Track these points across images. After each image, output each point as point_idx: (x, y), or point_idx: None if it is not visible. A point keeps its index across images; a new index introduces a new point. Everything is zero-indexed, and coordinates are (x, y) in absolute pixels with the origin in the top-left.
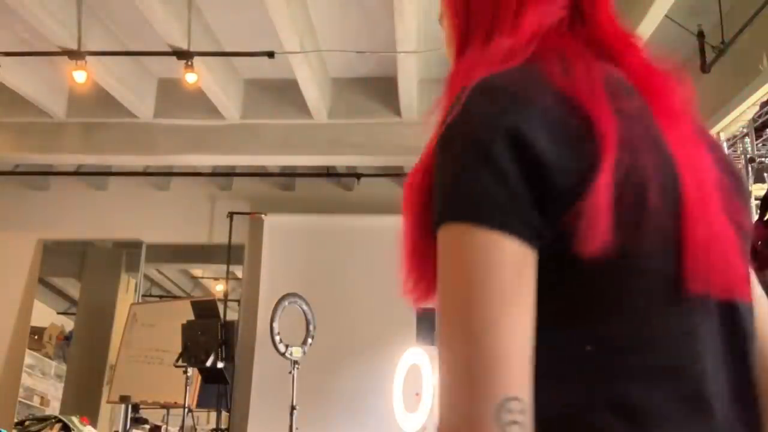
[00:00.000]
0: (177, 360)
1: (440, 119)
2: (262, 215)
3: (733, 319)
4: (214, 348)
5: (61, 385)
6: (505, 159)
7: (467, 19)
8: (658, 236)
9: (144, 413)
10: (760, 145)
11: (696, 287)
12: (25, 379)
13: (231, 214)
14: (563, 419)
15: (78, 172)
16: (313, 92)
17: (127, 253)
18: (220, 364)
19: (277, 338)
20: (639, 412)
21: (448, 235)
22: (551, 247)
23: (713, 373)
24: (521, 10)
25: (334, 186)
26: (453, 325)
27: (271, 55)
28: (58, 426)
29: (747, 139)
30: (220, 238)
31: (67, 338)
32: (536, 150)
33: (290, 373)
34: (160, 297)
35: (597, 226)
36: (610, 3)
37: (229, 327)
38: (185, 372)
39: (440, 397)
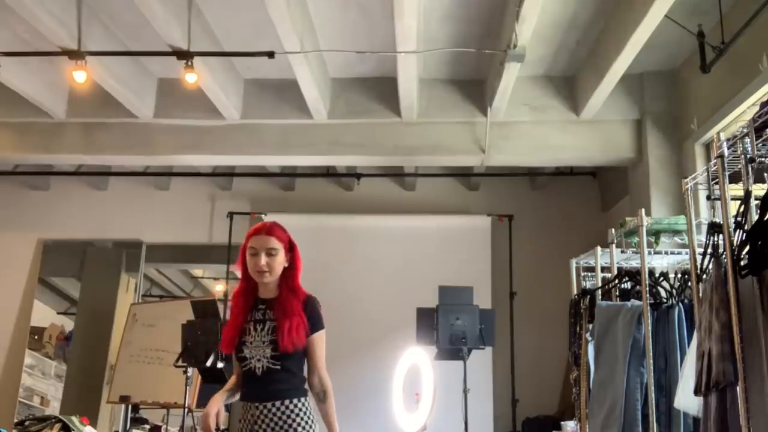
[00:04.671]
0: (177, 360)
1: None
2: (262, 215)
3: None
4: (214, 348)
5: (61, 385)
6: None
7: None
8: None
9: (144, 413)
10: (760, 145)
11: None
12: (25, 379)
13: (231, 214)
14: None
15: (78, 172)
16: (312, 92)
17: (127, 253)
18: (220, 364)
19: None
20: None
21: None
22: None
23: None
24: None
25: (334, 186)
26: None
27: (271, 55)
28: (58, 426)
29: (747, 139)
30: (220, 238)
31: (67, 338)
32: None
33: None
34: (160, 297)
35: None
36: None
37: None
38: (185, 372)
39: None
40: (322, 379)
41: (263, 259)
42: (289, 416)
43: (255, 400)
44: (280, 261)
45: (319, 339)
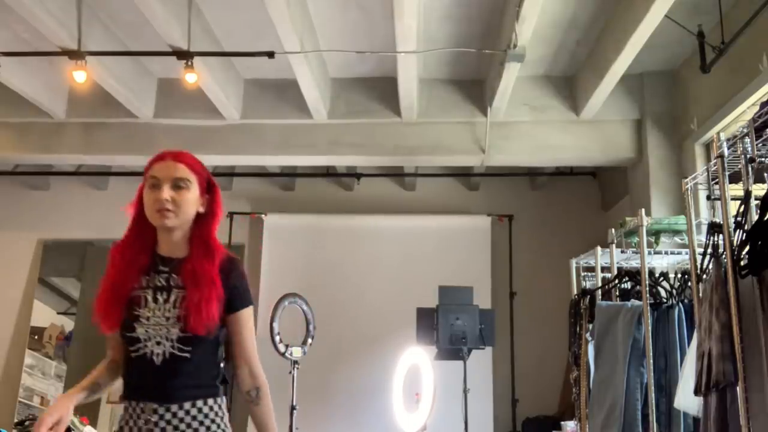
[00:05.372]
0: None
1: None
2: (262, 215)
3: None
4: None
5: (61, 385)
6: None
7: None
8: None
9: None
10: (760, 145)
11: None
12: (25, 379)
13: (231, 214)
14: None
15: (78, 172)
16: (313, 92)
17: None
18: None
19: (277, 338)
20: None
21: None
22: None
23: None
24: None
25: (334, 186)
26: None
27: (271, 55)
28: None
29: (747, 139)
30: (220, 238)
31: (67, 338)
32: None
33: (290, 373)
34: None
35: None
36: None
37: None
38: None
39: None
40: (255, 372)
41: (167, 192)
42: (200, 423)
43: (151, 400)
44: (192, 200)
45: (249, 318)
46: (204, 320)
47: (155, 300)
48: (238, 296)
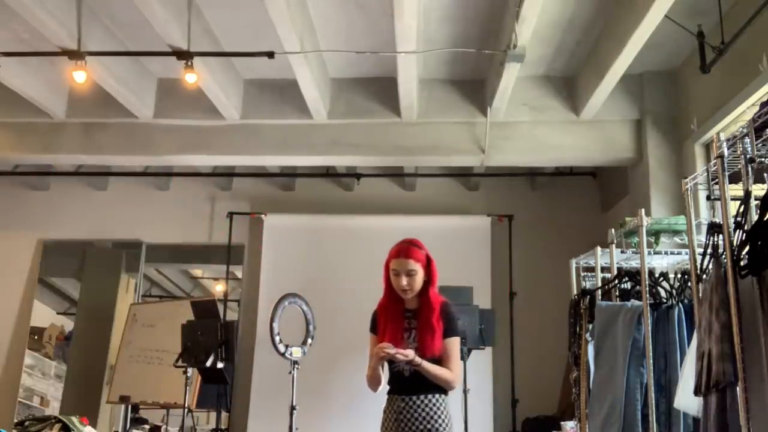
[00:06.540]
0: (177, 360)
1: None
2: (262, 215)
3: None
4: (214, 348)
5: (61, 385)
6: None
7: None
8: None
9: (144, 413)
10: (760, 145)
11: None
12: (25, 379)
13: (231, 214)
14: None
15: (78, 172)
16: (312, 92)
17: (127, 253)
18: (220, 364)
19: (277, 338)
20: None
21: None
22: None
23: None
24: None
25: (333, 186)
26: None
27: (271, 55)
28: (58, 426)
29: (747, 139)
30: (220, 238)
31: (67, 338)
32: None
33: (290, 373)
34: (160, 297)
35: None
36: None
37: (229, 327)
38: (185, 372)
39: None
40: None
41: None
42: None
43: None
44: None
45: None
46: None
47: None
48: None
